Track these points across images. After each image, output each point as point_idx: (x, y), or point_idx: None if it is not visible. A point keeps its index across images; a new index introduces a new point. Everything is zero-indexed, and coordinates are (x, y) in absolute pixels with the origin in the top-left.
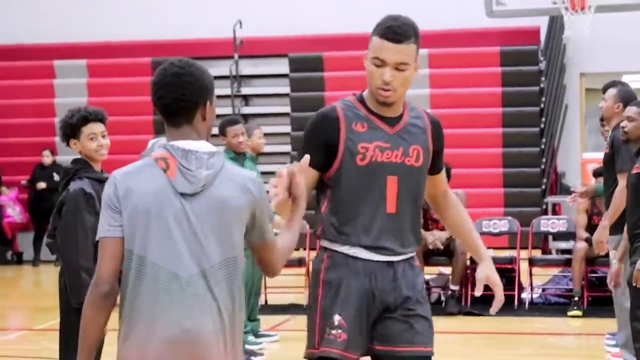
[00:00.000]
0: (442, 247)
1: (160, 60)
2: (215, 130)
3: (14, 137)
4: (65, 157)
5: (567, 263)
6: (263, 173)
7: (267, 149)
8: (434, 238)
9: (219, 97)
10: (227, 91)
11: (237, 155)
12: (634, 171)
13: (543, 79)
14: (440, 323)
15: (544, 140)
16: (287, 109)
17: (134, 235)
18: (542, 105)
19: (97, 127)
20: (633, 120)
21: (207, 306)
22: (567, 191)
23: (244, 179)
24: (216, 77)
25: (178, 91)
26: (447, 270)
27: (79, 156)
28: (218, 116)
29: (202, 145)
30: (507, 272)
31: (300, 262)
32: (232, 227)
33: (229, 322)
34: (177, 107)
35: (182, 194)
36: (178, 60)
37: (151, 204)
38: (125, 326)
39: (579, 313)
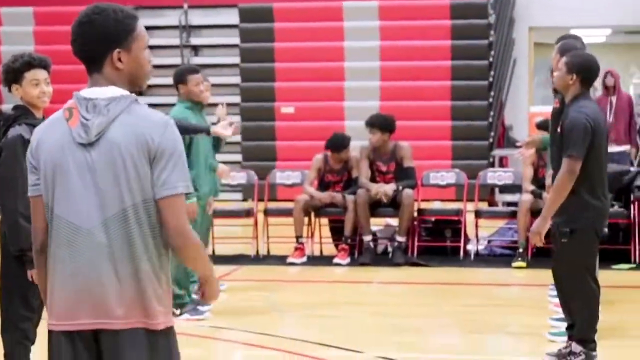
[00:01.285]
0: (386, 200)
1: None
2: (167, 81)
3: None
4: (9, 106)
5: (513, 215)
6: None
7: (217, 100)
8: (379, 190)
9: (167, 47)
10: (176, 41)
11: (194, 105)
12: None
13: (492, 32)
14: (386, 274)
15: (492, 93)
16: (236, 60)
17: (47, 190)
18: (490, 59)
19: (40, 74)
20: (558, 70)
21: (111, 256)
22: (514, 144)
23: (146, 124)
24: (165, 27)
25: (80, 40)
26: (394, 221)
27: (20, 103)
28: (167, 67)
29: (107, 91)
30: (454, 224)
31: (248, 213)
32: (131, 175)
33: (139, 270)
34: (83, 56)
35: (82, 144)
36: (90, 7)
37: (55, 156)
38: (48, 278)
39: (523, 264)
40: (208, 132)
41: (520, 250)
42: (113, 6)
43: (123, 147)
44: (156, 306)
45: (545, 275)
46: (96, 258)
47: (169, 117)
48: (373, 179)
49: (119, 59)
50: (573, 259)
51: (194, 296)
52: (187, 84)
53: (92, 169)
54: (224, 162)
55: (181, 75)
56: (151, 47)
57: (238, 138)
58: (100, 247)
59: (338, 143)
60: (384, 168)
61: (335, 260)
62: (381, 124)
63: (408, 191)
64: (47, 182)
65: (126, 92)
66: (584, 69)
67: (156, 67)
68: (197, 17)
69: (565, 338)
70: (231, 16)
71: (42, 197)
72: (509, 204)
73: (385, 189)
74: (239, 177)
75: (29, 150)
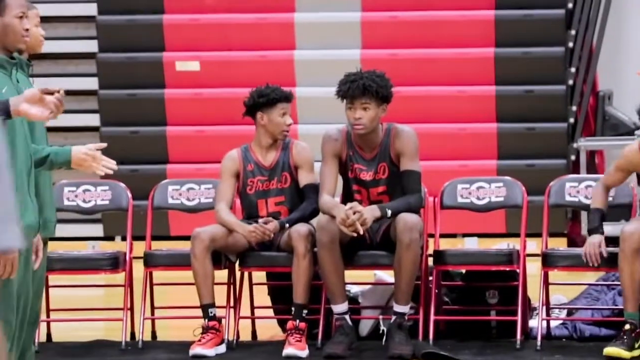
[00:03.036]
0: (361, 232)
1: None
2: None
3: None
4: None
5: (613, 262)
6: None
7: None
8: (350, 215)
9: None
10: None
11: (11, 60)
12: None
13: None
14: None
15: (572, 32)
16: None
17: None
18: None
19: None
20: None
21: None
22: (614, 128)
23: None
24: None
25: None
26: (388, 275)
27: None
28: None
29: None
30: (503, 280)
31: (114, 264)
32: None
33: None
34: None
35: None
36: None
37: None
38: None
39: (627, 354)
40: (7, 114)
41: (627, 327)
42: None
43: None
44: None
45: None
46: None
47: None
48: (348, 195)
49: None
50: None
51: None
52: (4, 14)
53: None
54: None
55: None
56: None
57: (94, 119)
58: None
59: (277, 92)
60: (367, 175)
61: (287, 351)
62: (378, 87)
63: (407, 218)
64: None
65: None
66: None
67: None
68: None
69: None
70: None
71: None
72: (610, 240)
73: (364, 214)
74: (96, 195)
75: None
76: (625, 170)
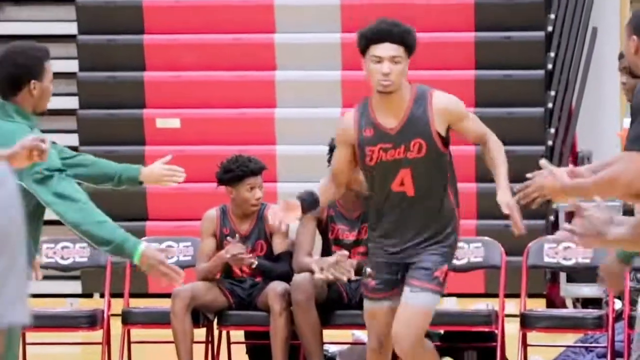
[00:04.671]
0: (345, 279)
1: None
2: None
3: None
4: None
5: (595, 324)
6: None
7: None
8: (329, 265)
9: None
10: None
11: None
12: None
13: None
14: None
15: (552, 93)
16: (72, 28)
17: None
18: (549, 29)
19: None
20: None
21: None
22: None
23: None
24: None
25: None
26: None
27: None
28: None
29: None
30: (482, 340)
31: (92, 321)
32: None
33: None
34: None
35: None
36: None
37: None
38: None
39: None
40: None
41: None
42: None
43: None
44: None
45: None
46: None
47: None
48: (326, 251)
49: None
50: None
51: None
52: (43, 79)
53: None
54: None
55: (34, 64)
56: None
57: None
58: None
59: (243, 168)
60: (349, 235)
61: None
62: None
63: None
64: None
65: None
66: None
67: None
68: None
69: None
70: None
71: None
72: (586, 302)
73: (346, 263)
74: (74, 252)
75: None
76: None
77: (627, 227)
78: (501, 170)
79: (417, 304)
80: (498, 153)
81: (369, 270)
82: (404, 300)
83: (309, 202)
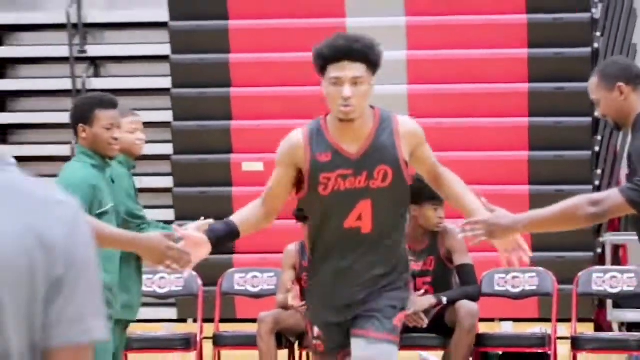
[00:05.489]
0: (422, 325)
1: None
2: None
3: None
4: None
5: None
6: (142, 191)
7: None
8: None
9: (49, 59)
10: (64, 51)
11: (104, 162)
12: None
13: (597, 33)
14: None
15: (598, 138)
16: (166, 82)
17: None
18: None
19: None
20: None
21: None
22: (637, 224)
23: (48, 208)
24: (46, 26)
25: None
26: (435, 357)
27: None
28: (53, 93)
29: None
30: None
31: (187, 344)
32: (5, 305)
33: None
34: None
35: None
36: None
37: None
38: None
39: None
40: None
41: None
42: None
43: (2, 247)
44: None
45: None
46: None
47: (73, 198)
48: None
49: None
50: None
51: None
52: (91, 125)
53: None
54: None
55: (82, 111)
56: (22, 61)
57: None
58: None
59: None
60: (416, 265)
61: None
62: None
63: (468, 305)
64: None
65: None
66: (627, 73)
67: (28, 94)
68: (96, 12)
69: None
70: (156, 10)
71: None
72: (631, 326)
73: (421, 304)
74: (170, 282)
75: None
76: None
77: (552, 208)
78: (471, 195)
79: (376, 356)
80: (459, 180)
81: (316, 331)
82: (360, 353)
83: (220, 237)
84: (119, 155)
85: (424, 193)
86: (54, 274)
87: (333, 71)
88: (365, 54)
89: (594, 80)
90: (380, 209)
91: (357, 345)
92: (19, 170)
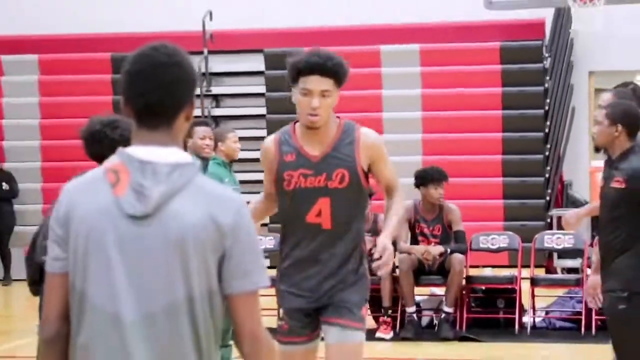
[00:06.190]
0: (431, 263)
1: (120, 56)
2: None
3: None
4: (15, 165)
5: (574, 283)
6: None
7: (241, 154)
8: (427, 250)
9: None
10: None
11: (199, 160)
12: (614, 185)
13: (547, 78)
14: (432, 349)
15: (548, 146)
16: (262, 110)
17: (75, 267)
18: (546, 108)
19: None
20: (599, 124)
21: (156, 355)
22: (574, 203)
23: (218, 201)
24: None
25: (167, 87)
26: (440, 290)
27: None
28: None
29: (168, 154)
30: (507, 293)
31: (274, 282)
32: (195, 260)
33: None
34: (163, 106)
35: (132, 217)
36: (162, 46)
37: (92, 227)
38: None
39: None
40: None
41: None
42: (176, 46)
43: (191, 225)
44: None
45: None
46: (138, 356)
47: (240, 195)
48: (414, 242)
49: (187, 116)
50: (632, 332)
51: None
52: (192, 137)
53: (142, 249)
54: None
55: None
56: None
57: None
58: (143, 344)
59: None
60: (428, 231)
61: (378, 334)
62: (444, 176)
63: (458, 256)
64: (77, 258)
65: (190, 159)
66: (629, 118)
67: None
68: (219, 64)
69: None
70: (256, 62)
71: (63, 276)
72: (569, 270)
73: (433, 250)
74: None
75: (54, 215)
76: None
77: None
78: (394, 220)
79: (351, 343)
80: (399, 205)
81: (282, 313)
82: (336, 340)
83: None
84: (220, 158)
85: (427, 177)
86: (223, 245)
87: (304, 83)
88: (335, 71)
89: (604, 110)
90: (338, 207)
91: (331, 333)
92: (202, 174)
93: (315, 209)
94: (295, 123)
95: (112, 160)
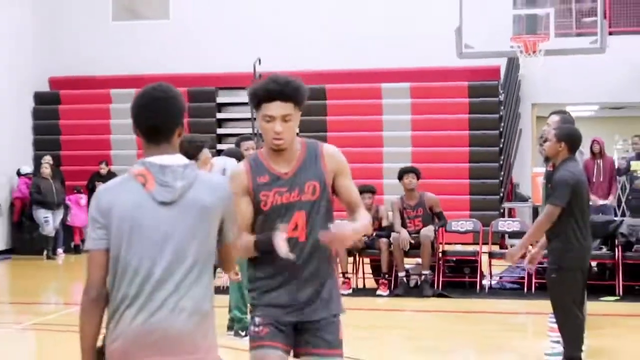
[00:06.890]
0: (407, 246)
1: (198, 91)
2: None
3: (77, 150)
4: (119, 167)
5: (522, 256)
6: None
7: None
8: (402, 240)
9: (242, 119)
10: (248, 115)
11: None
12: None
13: (502, 108)
14: (417, 303)
15: (502, 157)
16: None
17: (119, 243)
18: (501, 129)
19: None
20: (549, 140)
21: (181, 304)
22: (521, 198)
23: (216, 183)
24: (239, 104)
25: (164, 114)
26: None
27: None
28: (238, 135)
29: (177, 159)
30: (472, 263)
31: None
32: (208, 226)
33: (203, 311)
34: (163, 128)
35: (162, 203)
36: (159, 85)
37: (133, 214)
38: (111, 323)
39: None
40: None
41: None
42: (169, 84)
43: (208, 205)
44: (215, 349)
45: (547, 305)
46: (167, 303)
47: (228, 184)
48: (403, 223)
49: (179, 133)
50: (561, 292)
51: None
52: (240, 148)
53: (169, 224)
54: None
55: (237, 141)
56: (230, 120)
57: None
58: (171, 294)
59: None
60: (412, 213)
61: (378, 292)
62: (413, 170)
63: (427, 232)
64: (120, 236)
65: (187, 160)
66: (570, 138)
67: (231, 135)
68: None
69: (560, 358)
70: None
71: (105, 252)
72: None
73: (405, 238)
74: None
75: (94, 208)
76: None
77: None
78: (359, 224)
79: None
80: (365, 220)
81: (257, 320)
82: None
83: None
84: None
85: (402, 171)
86: (221, 214)
87: (266, 109)
88: (294, 96)
89: (553, 130)
90: (313, 218)
91: None
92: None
93: (292, 223)
94: (260, 149)
95: (137, 167)
